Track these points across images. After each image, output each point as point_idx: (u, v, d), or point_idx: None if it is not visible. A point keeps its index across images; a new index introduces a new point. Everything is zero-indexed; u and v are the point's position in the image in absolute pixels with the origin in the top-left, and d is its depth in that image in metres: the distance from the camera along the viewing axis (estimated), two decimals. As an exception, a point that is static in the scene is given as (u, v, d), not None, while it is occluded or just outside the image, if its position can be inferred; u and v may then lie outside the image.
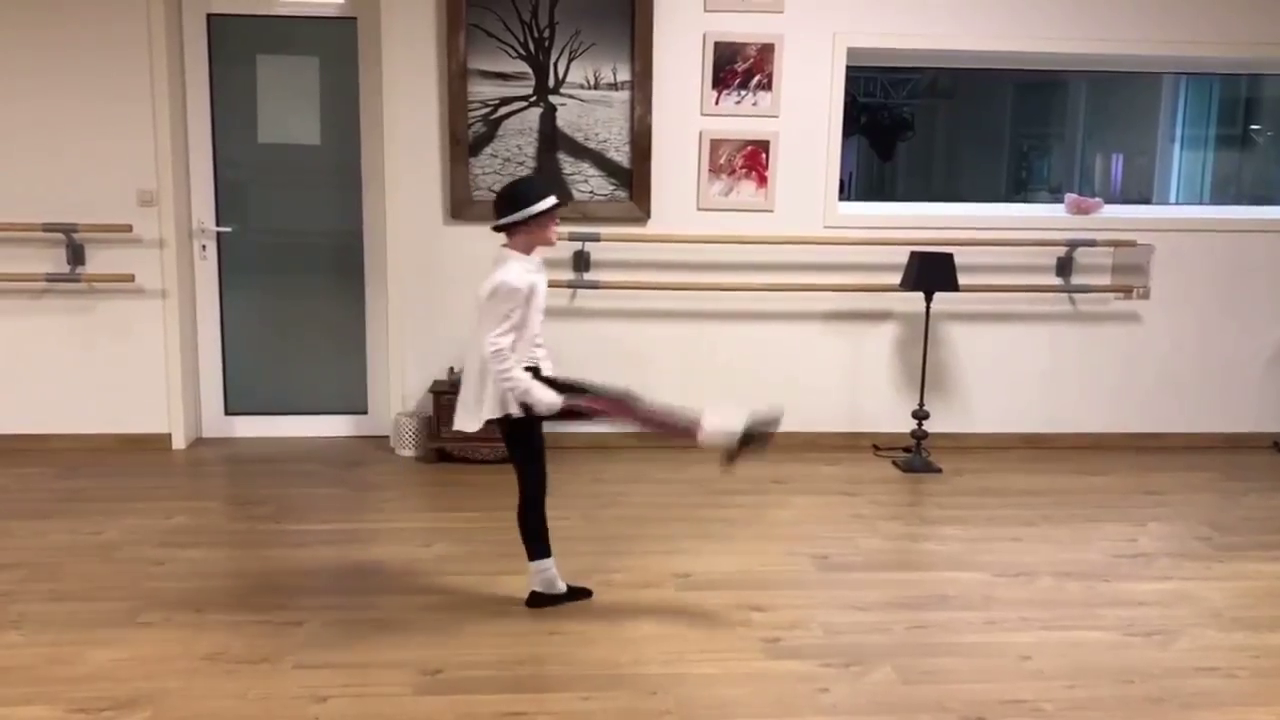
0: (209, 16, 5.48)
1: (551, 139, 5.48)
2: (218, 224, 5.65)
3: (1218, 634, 3.60)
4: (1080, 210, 5.88)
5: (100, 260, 5.42)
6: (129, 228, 5.37)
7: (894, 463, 5.55)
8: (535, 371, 3.52)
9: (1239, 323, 5.94)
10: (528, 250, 3.55)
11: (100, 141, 5.34)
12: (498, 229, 3.55)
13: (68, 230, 5.31)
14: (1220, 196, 7.48)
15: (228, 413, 5.82)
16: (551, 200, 3.51)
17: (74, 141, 5.33)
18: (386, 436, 5.71)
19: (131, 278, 5.41)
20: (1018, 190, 8.78)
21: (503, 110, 5.44)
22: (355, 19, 5.52)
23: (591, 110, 5.47)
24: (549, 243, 3.59)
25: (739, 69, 5.49)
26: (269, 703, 3.03)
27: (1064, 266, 5.78)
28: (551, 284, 5.45)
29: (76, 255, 5.38)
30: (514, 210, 3.48)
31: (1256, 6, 5.62)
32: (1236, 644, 3.53)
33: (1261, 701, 3.16)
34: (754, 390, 5.67)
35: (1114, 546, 4.42)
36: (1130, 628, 3.63)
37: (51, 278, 5.38)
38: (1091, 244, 5.73)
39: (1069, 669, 3.32)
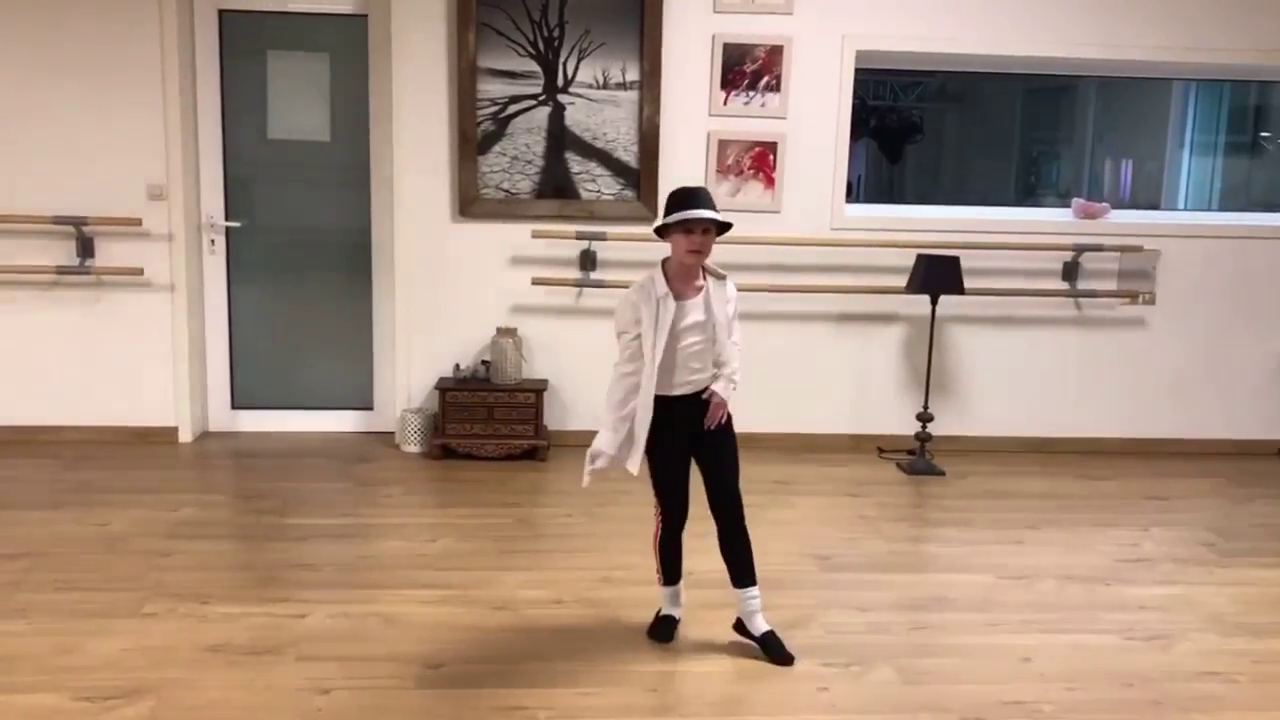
0: (221, 12, 5.51)
1: (560, 138, 5.50)
2: (226, 219, 5.67)
3: (1218, 639, 3.60)
4: (1087, 215, 5.88)
5: (109, 253, 5.45)
6: (138, 221, 5.39)
7: (898, 465, 5.56)
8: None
9: (1245, 329, 5.93)
10: (671, 267, 3.23)
11: (111, 135, 5.36)
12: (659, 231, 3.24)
13: (78, 223, 5.34)
14: (1229, 203, 7.47)
15: (234, 407, 5.85)
16: (677, 215, 3.13)
17: (85, 135, 5.35)
18: (392, 432, 5.73)
19: (140, 271, 5.44)
20: (1027, 194, 8.76)
21: (512, 109, 5.46)
22: (366, 16, 5.54)
23: (600, 110, 5.49)
24: (680, 262, 3.21)
25: (748, 70, 5.50)
26: (272, 693, 3.05)
27: (1070, 271, 5.79)
28: (558, 282, 5.55)
29: (86, 248, 5.40)
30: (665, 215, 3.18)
31: (1267, 13, 5.62)
32: (1237, 649, 3.53)
33: (1261, 707, 3.17)
34: (759, 391, 5.68)
35: (1117, 551, 4.42)
36: (1131, 631, 3.63)
37: (61, 270, 5.41)
38: (1098, 249, 5.73)
39: (1069, 671, 3.32)
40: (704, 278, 3.27)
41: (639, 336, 3.22)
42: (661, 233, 3.21)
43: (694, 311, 3.23)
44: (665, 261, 3.25)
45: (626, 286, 5.44)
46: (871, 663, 3.34)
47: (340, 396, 5.89)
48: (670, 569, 3.42)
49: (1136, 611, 3.81)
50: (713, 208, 3.16)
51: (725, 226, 3.19)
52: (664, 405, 3.24)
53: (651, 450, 3.27)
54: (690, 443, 3.31)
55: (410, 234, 5.56)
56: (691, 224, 3.12)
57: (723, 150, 5.55)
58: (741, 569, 3.33)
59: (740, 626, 3.40)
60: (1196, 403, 5.98)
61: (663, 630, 3.45)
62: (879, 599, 3.85)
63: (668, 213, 3.17)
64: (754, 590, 3.34)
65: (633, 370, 3.25)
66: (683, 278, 3.23)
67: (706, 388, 3.28)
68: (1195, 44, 5.63)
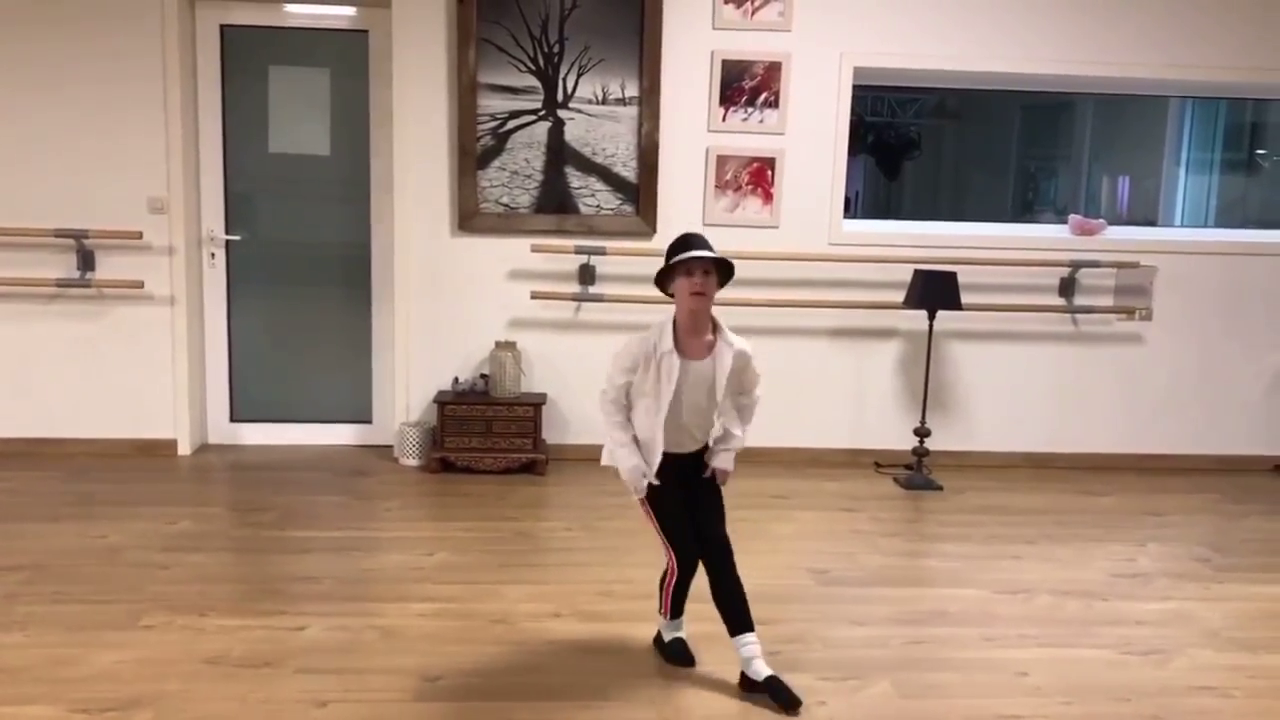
0: (222, 27, 5.54)
1: (559, 153, 5.53)
2: (227, 232, 5.70)
3: (1214, 654, 3.61)
4: (1084, 231, 5.91)
5: (110, 266, 5.47)
6: (139, 235, 5.41)
7: (895, 480, 5.57)
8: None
9: (1241, 346, 5.96)
10: (681, 319, 3.16)
11: (112, 149, 5.39)
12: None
13: (79, 236, 5.36)
14: (1225, 220, 7.51)
15: (233, 420, 5.86)
16: (675, 259, 3.08)
17: (86, 148, 5.38)
18: (390, 446, 5.74)
19: (141, 284, 5.46)
20: (1025, 211, 8.81)
21: (511, 124, 5.49)
22: (367, 32, 5.57)
23: (599, 125, 5.52)
24: (687, 310, 3.13)
25: (746, 86, 5.53)
26: (270, 706, 3.05)
27: (1067, 287, 5.81)
28: (557, 296, 5.57)
29: (87, 261, 5.42)
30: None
31: (1262, 31, 5.66)
32: (1233, 664, 3.54)
33: (1257, 721, 3.18)
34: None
35: (1113, 566, 4.43)
36: (1127, 646, 3.64)
37: (62, 283, 5.43)
38: (1095, 265, 5.75)
39: (1066, 686, 3.33)
40: (714, 334, 3.18)
41: (628, 385, 3.19)
42: (664, 285, 3.17)
43: (701, 373, 3.16)
44: (676, 316, 3.18)
45: (625, 301, 5.54)
46: (869, 677, 3.35)
47: (339, 410, 5.91)
48: (678, 607, 3.38)
49: (1133, 626, 3.82)
50: (710, 249, 3.12)
51: (728, 270, 3.15)
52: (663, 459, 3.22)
53: (654, 499, 3.23)
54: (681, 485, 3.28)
55: (410, 248, 5.58)
56: (691, 264, 3.08)
57: (721, 166, 5.58)
58: (737, 616, 3.20)
59: (745, 681, 3.22)
60: (1192, 418, 6.00)
61: (682, 654, 3.39)
62: (876, 614, 3.85)
63: (666, 262, 3.13)
64: (751, 637, 3.22)
65: (618, 414, 3.22)
66: (692, 330, 3.15)
67: (705, 448, 3.28)
68: (1191, 62, 5.66)
